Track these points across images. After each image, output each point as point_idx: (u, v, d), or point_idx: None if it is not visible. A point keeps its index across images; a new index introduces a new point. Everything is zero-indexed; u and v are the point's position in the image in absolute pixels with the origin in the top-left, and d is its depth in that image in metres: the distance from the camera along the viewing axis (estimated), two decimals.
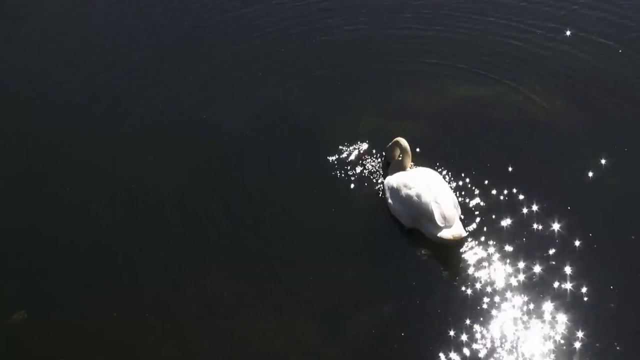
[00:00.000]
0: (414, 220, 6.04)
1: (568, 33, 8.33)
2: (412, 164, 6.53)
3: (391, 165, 6.55)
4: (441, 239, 5.78)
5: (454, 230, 5.78)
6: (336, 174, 6.66)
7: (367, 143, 6.92)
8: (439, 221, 5.77)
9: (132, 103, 7.71)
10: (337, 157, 6.81)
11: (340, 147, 6.89)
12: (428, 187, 5.96)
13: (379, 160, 6.77)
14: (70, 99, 7.82)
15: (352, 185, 6.57)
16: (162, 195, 6.57)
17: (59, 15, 9.28)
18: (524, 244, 5.89)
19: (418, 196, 5.91)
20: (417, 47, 8.25)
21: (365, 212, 6.38)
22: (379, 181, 6.57)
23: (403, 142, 6.45)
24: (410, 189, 6.00)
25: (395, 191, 6.15)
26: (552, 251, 5.82)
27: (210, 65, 8.24)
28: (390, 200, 6.22)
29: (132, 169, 6.87)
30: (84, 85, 8.02)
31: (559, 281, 5.60)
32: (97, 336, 5.49)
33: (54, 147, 7.20)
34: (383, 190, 6.39)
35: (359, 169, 6.71)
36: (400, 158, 6.53)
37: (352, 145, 6.91)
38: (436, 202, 5.84)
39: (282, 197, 6.51)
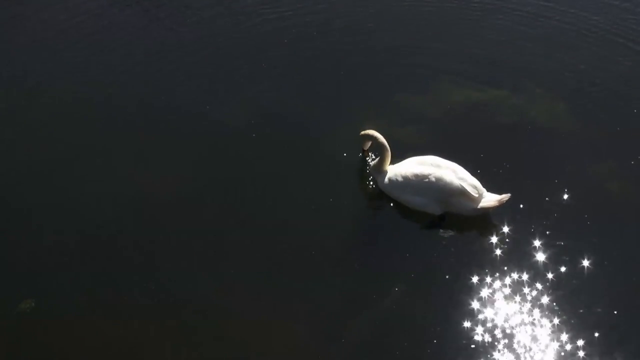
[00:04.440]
0: (443, 204, 6.04)
1: (569, 37, 8.40)
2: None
3: (374, 167, 6.48)
4: (485, 208, 5.91)
5: (494, 196, 5.92)
6: (335, 175, 6.68)
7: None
8: (474, 192, 5.86)
9: (131, 104, 7.68)
10: (336, 158, 6.82)
11: (340, 148, 6.90)
12: (439, 167, 6.00)
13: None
14: (69, 97, 7.79)
15: (352, 187, 6.60)
16: (162, 196, 6.54)
17: (57, 13, 9.31)
18: (524, 245, 5.91)
19: (439, 179, 5.93)
20: (418, 51, 8.31)
21: (367, 212, 6.43)
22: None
23: (374, 133, 6.33)
24: (426, 177, 5.99)
25: (409, 187, 6.09)
26: (552, 251, 5.85)
27: (210, 62, 8.26)
28: (406, 197, 6.16)
29: (131, 169, 6.85)
30: (82, 83, 8.00)
31: (558, 279, 5.64)
32: (99, 335, 5.46)
33: (57, 144, 7.16)
34: (387, 192, 6.35)
35: (358, 171, 6.74)
36: (374, 159, 6.47)
37: (352, 147, 6.90)
38: (459, 178, 5.90)
39: (281, 198, 6.51)
